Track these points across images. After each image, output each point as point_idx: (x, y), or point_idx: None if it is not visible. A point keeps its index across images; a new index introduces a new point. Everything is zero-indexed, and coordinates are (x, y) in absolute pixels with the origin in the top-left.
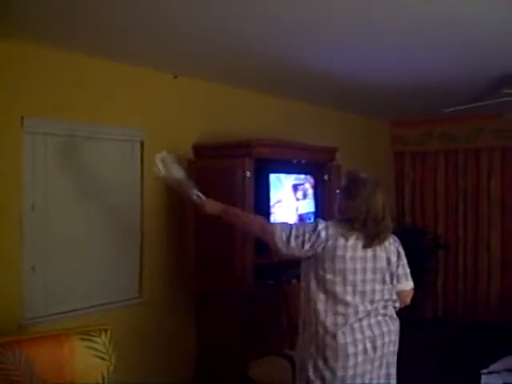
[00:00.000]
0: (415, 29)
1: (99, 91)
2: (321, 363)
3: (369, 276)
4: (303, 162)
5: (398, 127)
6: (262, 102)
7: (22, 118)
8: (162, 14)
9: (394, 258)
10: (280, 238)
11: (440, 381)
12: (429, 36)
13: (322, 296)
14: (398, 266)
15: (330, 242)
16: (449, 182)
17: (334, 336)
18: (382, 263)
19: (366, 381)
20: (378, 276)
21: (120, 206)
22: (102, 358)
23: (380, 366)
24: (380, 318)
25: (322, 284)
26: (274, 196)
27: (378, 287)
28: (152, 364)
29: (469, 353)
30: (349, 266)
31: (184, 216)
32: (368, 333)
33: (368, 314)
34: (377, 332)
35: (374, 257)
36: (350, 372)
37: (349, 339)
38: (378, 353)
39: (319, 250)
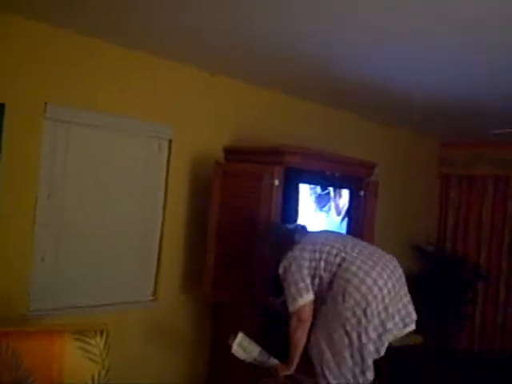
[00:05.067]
0: (466, 40)
1: (129, 83)
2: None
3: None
4: (337, 174)
5: (446, 147)
6: (303, 109)
7: (45, 104)
8: (204, 10)
9: None
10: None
11: None
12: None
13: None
14: None
15: None
16: (496, 210)
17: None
18: None
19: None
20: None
21: (141, 205)
22: (94, 361)
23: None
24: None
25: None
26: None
27: None
28: (161, 370)
29: None
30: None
31: (206, 222)
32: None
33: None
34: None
35: None
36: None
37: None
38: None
39: None
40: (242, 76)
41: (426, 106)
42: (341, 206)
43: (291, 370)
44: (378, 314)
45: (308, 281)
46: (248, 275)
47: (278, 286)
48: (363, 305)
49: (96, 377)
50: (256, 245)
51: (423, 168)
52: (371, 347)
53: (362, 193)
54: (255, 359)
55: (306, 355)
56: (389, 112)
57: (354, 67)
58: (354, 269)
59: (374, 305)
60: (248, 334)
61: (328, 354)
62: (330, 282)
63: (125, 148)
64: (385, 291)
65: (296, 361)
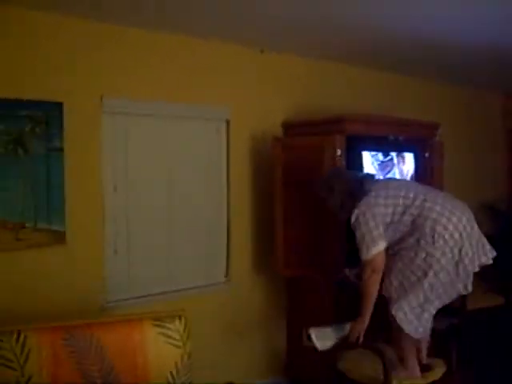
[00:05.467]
0: None
1: (182, 68)
2: None
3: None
4: (400, 138)
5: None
6: (356, 76)
7: (102, 97)
8: None
9: None
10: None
11: None
12: None
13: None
14: None
15: None
16: None
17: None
18: None
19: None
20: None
21: (205, 188)
22: (176, 346)
23: None
24: None
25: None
26: None
27: None
28: (241, 349)
29: None
30: None
31: (273, 199)
32: None
33: None
34: None
35: None
36: None
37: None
38: None
39: None
40: (291, 50)
41: (490, 60)
42: (405, 171)
43: (365, 322)
44: (467, 253)
45: (382, 229)
46: (319, 248)
47: (351, 257)
48: (459, 245)
49: (179, 363)
50: (320, 194)
51: (488, 124)
52: (458, 285)
53: (427, 154)
54: (336, 338)
55: (386, 324)
56: (450, 70)
57: (411, 25)
58: (438, 208)
59: (466, 244)
60: (322, 309)
61: (406, 285)
62: (412, 224)
63: (184, 133)
64: (468, 231)
65: (369, 312)
